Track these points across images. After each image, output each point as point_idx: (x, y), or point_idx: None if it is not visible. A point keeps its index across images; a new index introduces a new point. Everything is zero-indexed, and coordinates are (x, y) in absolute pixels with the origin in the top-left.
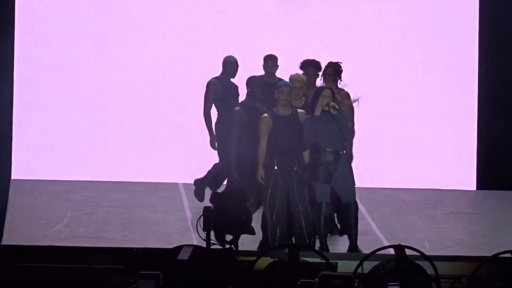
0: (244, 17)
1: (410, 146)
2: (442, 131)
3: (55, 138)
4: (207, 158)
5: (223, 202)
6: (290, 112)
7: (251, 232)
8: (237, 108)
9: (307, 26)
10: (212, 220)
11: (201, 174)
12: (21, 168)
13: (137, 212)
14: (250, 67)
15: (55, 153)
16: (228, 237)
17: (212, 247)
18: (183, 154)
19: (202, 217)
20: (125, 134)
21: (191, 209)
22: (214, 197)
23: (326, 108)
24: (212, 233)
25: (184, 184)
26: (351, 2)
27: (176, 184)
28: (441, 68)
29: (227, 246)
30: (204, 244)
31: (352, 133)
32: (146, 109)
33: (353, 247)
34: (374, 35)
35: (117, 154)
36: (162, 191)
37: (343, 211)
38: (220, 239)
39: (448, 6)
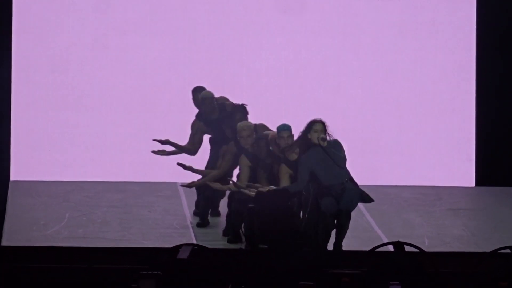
0: (243, 16)
1: (408, 143)
2: (441, 128)
3: (54, 139)
4: (205, 158)
5: (267, 201)
6: (299, 153)
7: (296, 232)
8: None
9: (304, 24)
10: (257, 220)
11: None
12: (19, 169)
13: (136, 212)
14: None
15: (54, 154)
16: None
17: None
18: (182, 153)
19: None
20: (123, 134)
21: (190, 208)
22: (258, 197)
23: (317, 142)
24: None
25: (183, 183)
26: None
27: (174, 183)
28: (439, 65)
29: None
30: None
31: (345, 161)
32: (144, 108)
33: (339, 247)
34: (371, 33)
35: (115, 154)
36: (160, 191)
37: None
38: (264, 239)
39: (446, 3)
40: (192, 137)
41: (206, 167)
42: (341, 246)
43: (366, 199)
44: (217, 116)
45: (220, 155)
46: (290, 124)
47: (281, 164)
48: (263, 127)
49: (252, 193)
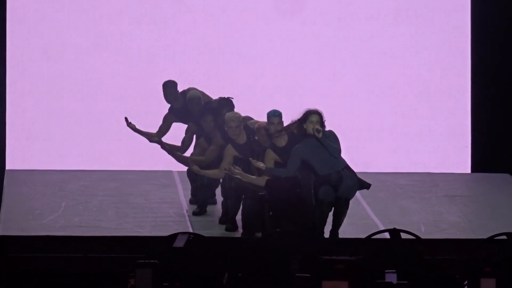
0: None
1: (404, 130)
2: (436, 114)
3: (49, 128)
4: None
5: (278, 189)
6: (288, 140)
7: (309, 219)
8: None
9: (298, 12)
10: (268, 208)
11: None
12: (15, 158)
13: (132, 201)
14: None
15: (49, 143)
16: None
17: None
18: (177, 141)
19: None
20: (119, 123)
21: (186, 197)
22: (269, 185)
23: (312, 133)
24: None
25: (179, 171)
26: None
27: (170, 171)
28: (434, 52)
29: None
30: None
31: (339, 152)
32: (140, 97)
33: (335, 234)
34: (366, 20)
35: (111, 143)
36: (156, 179)
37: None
38: (276, 227)
39: None
40: (161, 127)
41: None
42: (337, 233)
43: (364, 185)
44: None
45: (196, 144)
46: (285, 112)
47: (267, 149)
48: (248, 119)
49: (237, 176)
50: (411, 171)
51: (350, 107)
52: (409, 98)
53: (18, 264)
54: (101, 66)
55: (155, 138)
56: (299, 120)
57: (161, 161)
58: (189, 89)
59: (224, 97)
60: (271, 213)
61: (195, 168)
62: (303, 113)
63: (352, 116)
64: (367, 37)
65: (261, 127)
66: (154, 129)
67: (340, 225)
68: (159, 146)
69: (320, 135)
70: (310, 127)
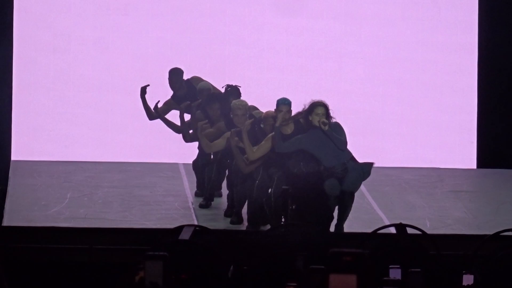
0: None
1: (410, 125)
2: (443, 109)
3: (55, 119)
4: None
5: (301, 183)
6: (294, 128)
7: (330, 213)
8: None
9: (305, 5)
10: (292, 202)
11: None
12: (21, 149)
13: (137, 193)
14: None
15: (55, 134)
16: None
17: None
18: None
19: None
20: (124, 114)
21: (191, 190)
22: (292, 179)
23: (318, 125)
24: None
25: (185, 164)
26: None
27: (176, 164)
28: (441, 47)
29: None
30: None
31: (346, 144)
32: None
33: (341, 228)
34: (373, 14)
35: (116, 134)
36: (162, 171)
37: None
38: (299, 220)
39: None
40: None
41: (198, 146)
42: (343, 227)
43: (365, 168)
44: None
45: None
46: (292, 106)
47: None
48: (254, 108)
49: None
50: (417, 166)
51: (356, 102)
52: (415, 93)
53: (22, 255)
54: (107, 58)
55: (153, 113)
56: (304, 111)
57: (167, 153)
58: (193, 78)
59: (232, 85)
60: (294, 206)
61: (201, 133)
62: (308, 104)
63: (358, 111)
64: (374, 31)
65: (269, 116)
66: (158, 121)
67: (345, 218)
68: (165, 139)
69: (326, 128)
70: (315, 119)
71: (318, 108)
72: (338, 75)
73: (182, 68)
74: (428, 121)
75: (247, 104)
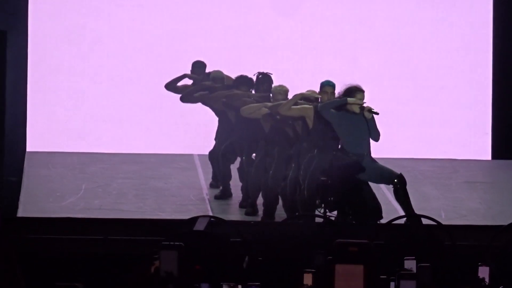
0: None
1: (425, 116)
2: (457, 101)
3: (70, 110)
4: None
5: (339, 174)
6: None
7: (366, 202)
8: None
9: (314, 5)
10: (330, 193)
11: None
12: (36, 140)
13: (152, 184)
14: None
15: (70, 126)
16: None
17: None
18: (198, 125)
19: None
20: (139, 106)
21: (206, 181)
22: (330, 170)
23: (358, 111)
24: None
25: (199, 155)
26: None
27: (191, 155)
28: (455, 39)
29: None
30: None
31: (379, 136)
32: (161, 80)
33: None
34: (388, 4)
35: (131, 125)
36: (176, 163)
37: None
38: (342, 212)
39: None
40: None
41: (215, 137)
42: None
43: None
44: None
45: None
46: None
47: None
48: None
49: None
50: (431, 157)
51: (371, 93)
52: (430, 84)
53: (38, 246)
54: (121, 49)
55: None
56: (342, 95)
57: (181, 144)
58: (214, 72)
59: (263, 72)
60: (331, 198)
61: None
62: (344, 89)
63: (374, 102)
64: (388, 23)
65: (304, 96)
66: (173, 110)
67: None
68: (179, 130)
69: (370, 116)
70: (355, 106)
71: (359, 93)
72: (352, 65)
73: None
74: (443, 113)
75: (288, 90)
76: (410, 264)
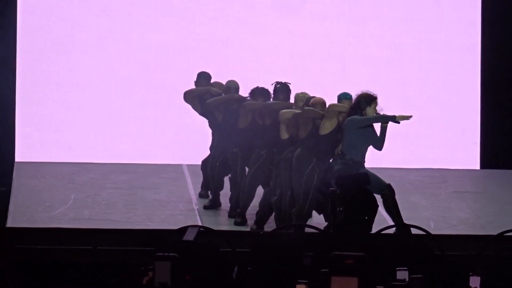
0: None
1: (414, 126)
2: (446, 111)
3: (59, 120)
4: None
5: (348, 185)
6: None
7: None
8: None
9: (309, 6)
10: (339, 203)
11: (205, 155)
12: (25, 151)
13: (141, 194)
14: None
15: (59, 135)
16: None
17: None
18: (187, 135)
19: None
20: (128, 116)
21: (195, 190)
22: (339, 180)
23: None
24: None
25: (188, 165)
26: None
27: (180, 165)
28: (444, 48)
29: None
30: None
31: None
32: (150, 90)
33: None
34: (376, 15)
35: (120, 135)
36: (166, 173)
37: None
38: (351, 221)
39: None
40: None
41: (210, 147)
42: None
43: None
44: (235, 107)
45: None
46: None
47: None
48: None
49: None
50: (420, 167)
51: None
52: (419, 94)
53: (27, 256)
54: (110, 60)
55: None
56: (355, 103)
57: (170, 155)
58: (215, 83)
59: (281, 82)
60: (341, 208)
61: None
62: (360, 98)
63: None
64: (376, 33)
65: (317, 102)
66: (162, 121)
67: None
68: (168, 140)
69: (386, 125)
70: (372, 112)
71: (376, 102)
72: (340, 75)
73: (183, 70)
74: (432, 122)
75: (310, 96)
76: (403, 275)
